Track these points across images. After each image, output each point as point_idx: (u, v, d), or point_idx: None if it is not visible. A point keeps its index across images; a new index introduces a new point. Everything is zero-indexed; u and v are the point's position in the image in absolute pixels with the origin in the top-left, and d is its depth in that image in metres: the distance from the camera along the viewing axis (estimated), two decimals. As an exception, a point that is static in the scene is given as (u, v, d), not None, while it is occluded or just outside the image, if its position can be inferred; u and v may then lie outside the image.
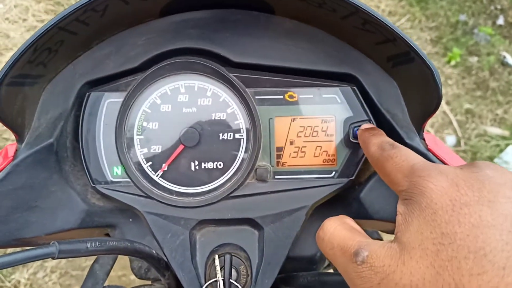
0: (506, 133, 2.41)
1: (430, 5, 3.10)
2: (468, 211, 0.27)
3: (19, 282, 1.71)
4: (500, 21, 3.09)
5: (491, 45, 2.93)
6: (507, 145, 2.36)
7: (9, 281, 1.70)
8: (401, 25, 3.00)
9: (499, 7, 3.18)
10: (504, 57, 2.84)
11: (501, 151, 2.34)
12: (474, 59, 2.82)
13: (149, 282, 0.55)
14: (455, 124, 2.42)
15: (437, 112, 2.46)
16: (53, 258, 0.35)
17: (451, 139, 2.34)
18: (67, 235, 0.49)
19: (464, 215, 0.26)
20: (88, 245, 0.37)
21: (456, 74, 2.73)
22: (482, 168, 0.30)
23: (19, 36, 2.70)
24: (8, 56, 2.55)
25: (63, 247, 0.34)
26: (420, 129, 0.47)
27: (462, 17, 3.07)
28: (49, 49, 0.43)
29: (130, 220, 0.51)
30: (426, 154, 0.45)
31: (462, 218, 0.26)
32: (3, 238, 0.44)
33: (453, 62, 2.77)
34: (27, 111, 0.45)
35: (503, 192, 0.27)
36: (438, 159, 0.46)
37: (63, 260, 1.78)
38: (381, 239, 0.75)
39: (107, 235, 0.55)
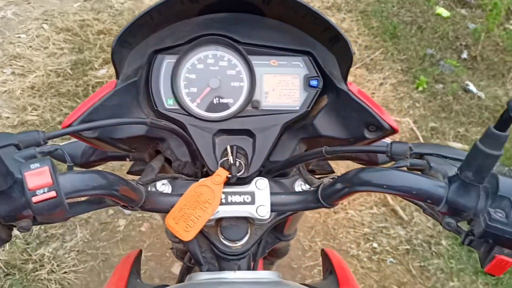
0: (466, 147, 2.68)
1: (402, 41, 3.48)
2: None
3: (43, 255, 1.99)
4: (465, 55, 3.32)
5: (455, 74, 3.22)
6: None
7: (35, 255, 1.97)
8: (375, 57, 3.36)
9: (464, 43, 3.54)
10: (467, 84, 3.14)
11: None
12: (439, 86, 3.13)
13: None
14: (421, 139, 2.73)
15: (406, 129, 2.79)
16: (146, 124, 0.69)
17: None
18: (135, 140, 0.82)
19: None
20: (162, 122, 0.71)
21: (423, 98, 3.01)
22: None
23: (42, 61, 3.03)
24: (31, 77, 2.84)
25: (153, 120, 0.69)
26: (346, 78, 0.81)
27: (430, 51, 3.43)
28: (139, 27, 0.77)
29: (174, 136, 0.84)
30: (347, 92, 0.79)
31: None
32: (104, 135, 0.76)
33: (420, 88, 3.05)
34: (122, 62, 0.79)
35: None
36: (352, 93, 0.78)
37: (80, 241, 2.07)
38: (332, 171, 1.06)
39: (157, 151, 0.87)
